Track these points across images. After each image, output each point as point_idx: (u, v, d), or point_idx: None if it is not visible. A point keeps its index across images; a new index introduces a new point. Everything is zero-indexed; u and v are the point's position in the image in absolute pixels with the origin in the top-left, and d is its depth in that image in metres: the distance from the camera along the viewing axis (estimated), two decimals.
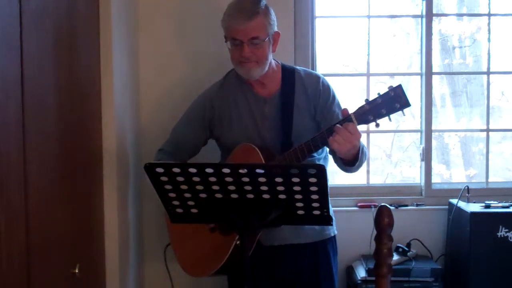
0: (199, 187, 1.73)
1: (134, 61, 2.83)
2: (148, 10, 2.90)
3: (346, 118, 2.01)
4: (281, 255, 2.31)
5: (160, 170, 1.71)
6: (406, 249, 2.93)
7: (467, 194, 2.96)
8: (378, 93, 2.00)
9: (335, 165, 2.36)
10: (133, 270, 2.73)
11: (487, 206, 2.83)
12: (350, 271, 2.95)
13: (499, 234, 2.73)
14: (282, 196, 1.71)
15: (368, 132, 3.13)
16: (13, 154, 1.55)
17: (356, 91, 3.28)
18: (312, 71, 2.41)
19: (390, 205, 2.94)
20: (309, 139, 2.09)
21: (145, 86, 2.92)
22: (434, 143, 3.26)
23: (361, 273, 2.81)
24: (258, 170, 1.66)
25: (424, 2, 3.10)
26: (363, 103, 2.03)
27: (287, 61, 2.83)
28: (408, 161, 3.66)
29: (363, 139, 3.09)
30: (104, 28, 2.32)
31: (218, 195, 1.75)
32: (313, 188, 1.68)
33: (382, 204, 2.05)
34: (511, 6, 3.24)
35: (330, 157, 2.40)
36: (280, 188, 1.69)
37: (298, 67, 2.40)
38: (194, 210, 1.82)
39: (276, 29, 2.27)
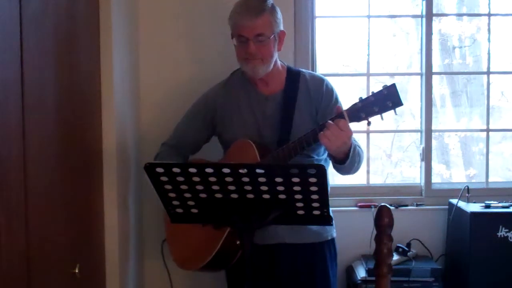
0: (199, 187, 1.74)
1: (134, 61, 2.83)
2: (148, 9, 2.90)
3: (338, 114, 2.02)
4: (276, 254, 2.31)
5: (160, 170, 1.71)
6: (406, 249, 2.93)
7: (467, 194, 2.96)
8: (372, 92, 2.01)
9: None
10: (133, 270, 2.73)
11: (487, 206, 2.83)
12: (350, 271, 2.95)
13: (499, 234, 2.73)
14: (282, 196, 1.71)
15: (368, 132, 3.13)
16: (13, 154, 1.55)
17: (356, 91, 3.28)
18: (318, 74, 2.43)
19: (390, 205, 2.93)
20: (302, 136, 2.10)
21: (145, 86, 2.92)
22: (434, 143, 3.26)
23: (361, 273, 2.81)
24: (258, 170, 1.66)
25: (424, 2, 3.10)
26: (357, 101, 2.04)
27: (287, 61, 2.83)
28: (408, 161, 3.66)
29: (363, 139, 3.11)
30: (104, 28, 2.32)
31: (218, 195, 1.75)
32: (313, 188, 1.68)
33: (382, 204, 2.06)
34: (511, 6, 3.24)
35: None
36: (280, 188, 1.69)
37: (304, 70, 2.42)
38: (194, 210, 1.82)
39: (282, 28, 2.30)
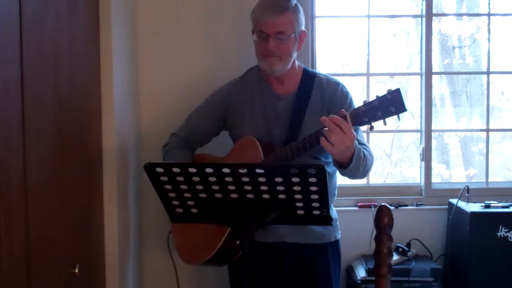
0: (199, 187, 1.73)
1: (134, 61, 2.83)
2: (148, 11, 2.90)
3: (341, 118, 1.99)
4: (277, 253, 2.30)
5: (160, 170, 1.71)
6: (406, 249, 2.93)
7: (467, 194, 2.96)
8: (377, 96, 2.00)
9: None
10: (133, 269, 2.73)
11: (487, 206, 2.84)
12: (350, 271, 2.95)
13: (499, 234, 2.74)
14: (282, 196, 1.71)
15: (368, 132, 3.13)
16: (13, 154, 1.55)
17: (356, 91, 3.28)
18: (334, 78, 2.41)
19: (390, 205, 2.94)
20: (306, 136, 2.09)
21: (145, 86, 2.92)
22: (434, 143, 3.26)
23: (361, 273, 2.81)
24: (258, 170, 1.66)
25: (424, 2, 3.10)
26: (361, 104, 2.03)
27: None
28: (408, 161, 3.66)
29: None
30: (104, 28, 2.33)
31: (218, 195, 1.75)
32: (313, 188, 1.68)
33: (382, 204, 2.05)
34: (511, 6, 3.24)
35: None
36: (280, 188, 1.69)
37: (320, 73, 2.41)
38: (194, 210, 1.82)
39: (303, 28, 2.29)
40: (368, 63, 3.16)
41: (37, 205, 1.69)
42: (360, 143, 2.18)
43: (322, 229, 2.31)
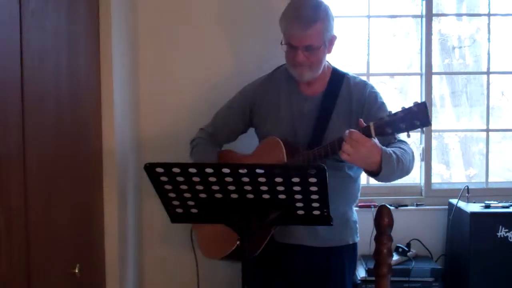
0: (199, 187, 1.73)
1: (134, 61, 2.83)
2: (148, 12, 2.90)
3: (364, 128, 1.94)
4: (293, 254, 2.29)
5: (160, 170, 1.71)
6: (406, 249, 2.93)
7: (467, 194, 2.96)
8: (402, 107, 1.93)
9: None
10: (133, 269, 2.73)
11: (487, 206, 2.84)
12: None
13: (499, 234, 2.73)
14: (282, 196, 1.71)
15: None
16: (13, 154, 1.55)
17: None
18: (363, 79, 2.34)
19: (390, 205, 2.94)
20: (328, 143, 2.05)
21: (145, 86, 2.92)
22: (434, 143, 3.26)
23: (361, 273, 2.81)
24: (258, 170, 1.66)
25: (424, 2, 3.10)
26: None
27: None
28: None
29: None
30: (104, 28, 2.32)
31: (218, 195, 1.75)
32: (313, 188, 1.68)
33: (382, 204, 2.06)
34: (511, 6, 3.24)
35: None
36: (280, 188, 1.69)
37: (349, 74, 2.35)
38: (194, 210, 1.82)
39: (333, 33, 2.23)
40: (368, 63, 3.16)
41: (37, 205, 1.69)
42: (393, 142, 2.10)
43: (341, 231, 2.28)
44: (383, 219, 1.99)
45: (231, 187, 1.71)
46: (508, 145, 3.51)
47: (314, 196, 1.71)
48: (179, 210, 1.83)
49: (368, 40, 3.15)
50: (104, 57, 2.33)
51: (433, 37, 3.14)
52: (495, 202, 2.88)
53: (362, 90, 2.27)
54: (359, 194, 2.40)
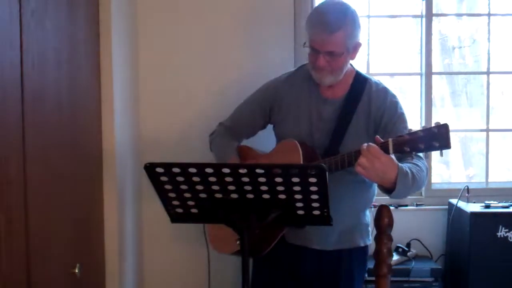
0: (199, 187, 1.73)
1: (134, 61, 2.83)
2: (148, 12, 2.90)
3: (382, 144, 1.91)
4: (303, 256, 2.28)
5: (160, 170, 1.71)
6: (406, 249, 2.93)
7: (467, 194, 2.96)
8: (423, 126, 1.92)
9: None
10: (132, 269, 2.73)
11: (487, 206, 2.84)
12: None
13: (499, 234, 2.73)
14: (282, 196, 1.71)
15: None
16: (13, 154, 1.55)
17: None
18: (385, 85, 2.28)
19: (390, 205, 2.94)
20: (347, 152, 2.02)
21: (145, 86, 2.92)
22: None
23: None
24: (258, 170, 1.66)
25: (424, 2, 3.10)
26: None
27: (287, 61, 2.83)
28: None
29: None
30: (104, 28, 2.32)
31: (218, 195, 1.75)
32: (313, 188, 1.68)
33: (382, 204, 2.05)
34: (511, 6, 3.24)
35: None
36: (280, 188, 1.69)
37: (372, 79, 2.30)
38: (194, 210, 1.82)
39: (358, 40, 2.19)
40: (368, 63, 3.16)
41: (37, 205, 1.69)
42: (410, 157, 2.05)
43: (353, 235, 2.27)
44: (383, 219, 1.99)
45: (231, 187, 1.71)
46: (508, 145, 3.51)
47: (314, 196, 1.70)
48: (179, 210, 1.83)
49: (368, 40, 3.15)
50: (104, 57, 2.33)
51: (433, 37, 3.14)
52: (495, 202, 2.89)
53: (383, 98, 2.23)
54: (374, 199, 2.38)
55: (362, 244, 2.31)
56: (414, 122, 3.31)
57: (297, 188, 1.68)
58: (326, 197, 1.71)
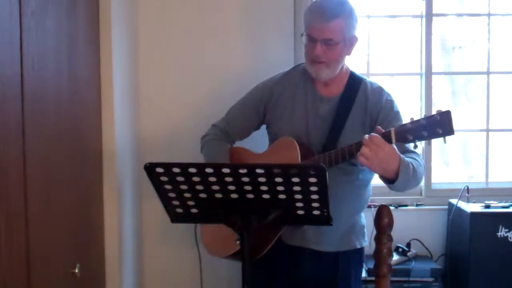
0: (199, 187, 1.73)
1: (134, 61, 2.83)
2: (148, 10, 2.90)
3: (384, 133, 1.91)
4: (300, 257, 2.28)
5: (160, 170, 1.71)
6: (406, 249, 2.93)
7: (467, 194, 2.96)
8: (425, 114, 1.92)
9: None
10: (133, 269, 2.73)
11: (487, 206, 2.84)
12: None
13: (499, 234, 2.74)
14: (282, 196, 1.71)
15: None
16: (13, 155, 1.55)
17: None
18: (380, 85, 2.30)
19: (390, 205, 2.94)
20: (347, 146, 2.04)
21: (145, 86, 2.92)
22: (434, 143, 3.24)
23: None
24: (258, 170, 1.66)
25: (424, 2, 3.11)
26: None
27: (287, 61, 2.83)
28: None
29: None
30: (104, 28, 2.33)
31: (218, 195, 1.74)
32: (313, 188, 1.68)
33: (382, 204, 2.05)
34: (511, 6, 3.24)
35: None
36: (280, 188, 1.69)
37: (366, 79, 2.33)
38: (194, 210, 1.82)
39: (355, 34, 2.21)
40: (368, 63, 3.16)
41: (37, 205, 1.69)
42: (408, 151, 2.08)
43: (349, 236, 2.27)
44: (383, 219, 1.99)
45: (231, 187, 1.71)
46: (508, 145, 3.51)
47: (314, 196, 1.70)
48: (179, 210, 1.83)
49: (368, 40, 3.15)
50: (104, 57, 2.33)
51: (433, 37, 3.14)
52: (495, 202, 2.89)
53: (379, 97, 2.25)
54: (369, 199, 2.39)
55: (358, 246, 2.31)
56: None
57: (297, 188, 1.68)
58: (326, 197, 1.70)
